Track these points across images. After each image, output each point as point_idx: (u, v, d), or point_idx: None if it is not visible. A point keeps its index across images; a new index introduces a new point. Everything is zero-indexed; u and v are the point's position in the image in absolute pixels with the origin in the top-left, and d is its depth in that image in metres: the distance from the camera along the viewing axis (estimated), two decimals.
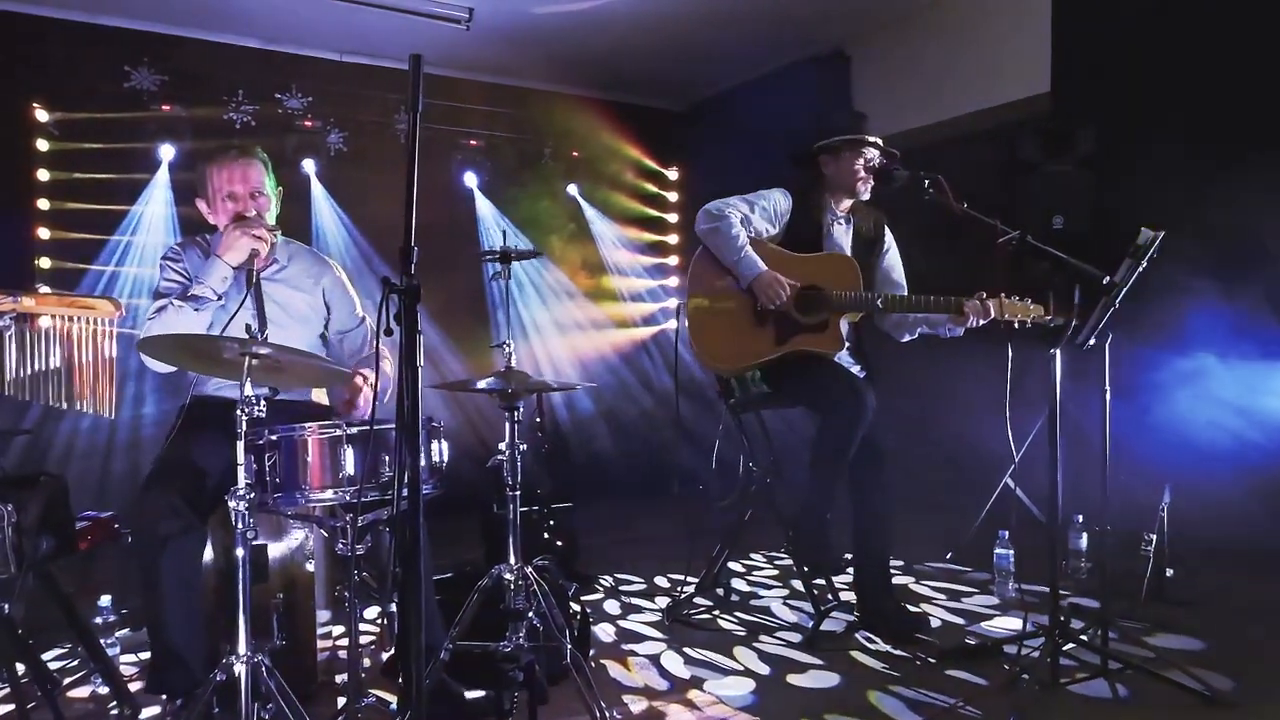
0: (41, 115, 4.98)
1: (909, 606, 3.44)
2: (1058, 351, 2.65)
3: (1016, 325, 3.09)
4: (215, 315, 2.66)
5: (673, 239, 7.13)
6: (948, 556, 4.35)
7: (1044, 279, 2.69)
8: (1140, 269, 2.57)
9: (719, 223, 3.34)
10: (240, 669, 2.01)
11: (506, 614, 2.37)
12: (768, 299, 3.27)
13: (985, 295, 3.14)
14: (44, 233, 4.96)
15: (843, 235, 3.51)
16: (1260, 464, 3.77)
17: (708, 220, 3.38)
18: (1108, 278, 2.57)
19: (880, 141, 3.43)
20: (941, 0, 5.41)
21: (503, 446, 2.52)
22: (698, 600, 3.73)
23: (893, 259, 3.60)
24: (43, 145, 4.99)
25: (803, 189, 3.49)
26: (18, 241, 4.89)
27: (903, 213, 3.71)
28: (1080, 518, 3.93)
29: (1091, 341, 2.67)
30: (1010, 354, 2.74)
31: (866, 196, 3.47)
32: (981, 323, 3.18)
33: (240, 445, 2.04)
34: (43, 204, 4.98)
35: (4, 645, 2.14)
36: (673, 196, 7.16)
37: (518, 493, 2.50)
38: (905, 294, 3.46)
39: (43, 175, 4.99)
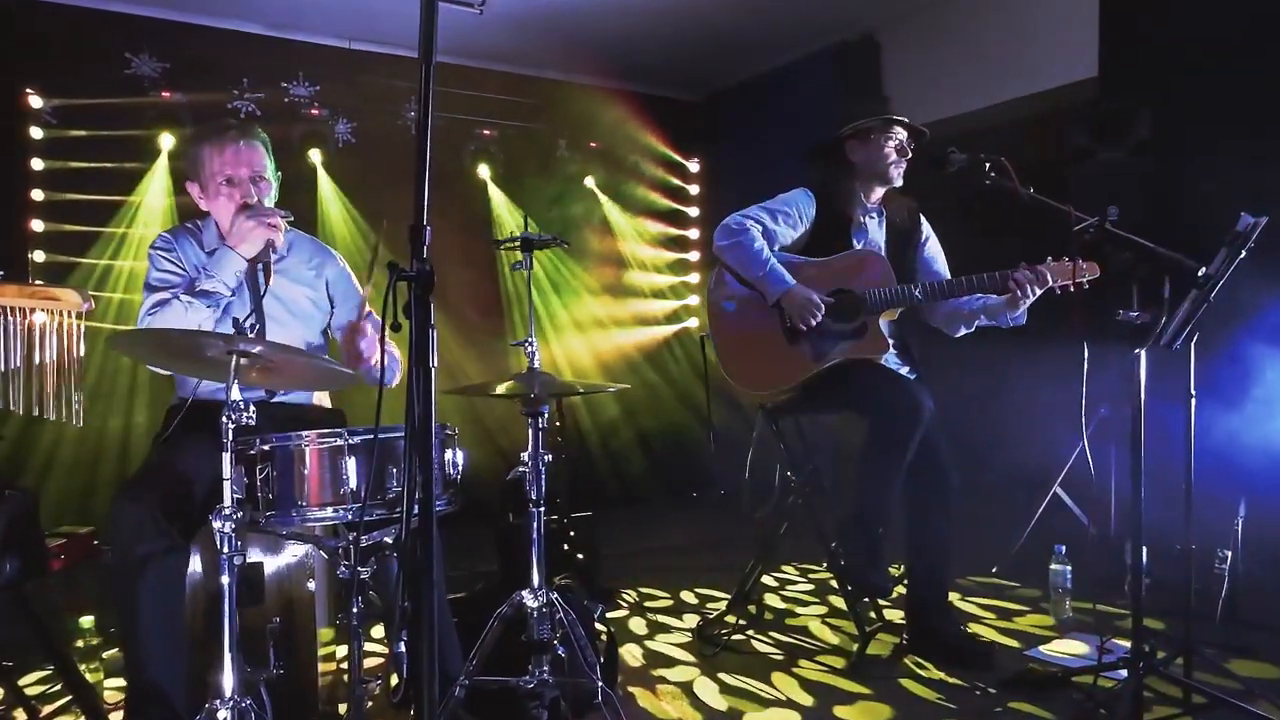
0: (36, 102, 4.75)
1: (976, 635, 3.17)
2: (1142, 353, 2.38)
3: (1073, 288, 2.85)
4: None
5: (693, 233, 6.86)
6: (994, 570, 4.08)
7: (1126, 271, 2.41)
8: (1239, 259, 2.29)
9: (739, 237, 3.10)
10: (225, 715, 1.75)
11: (530, 646, 2.11)
12: (800, 319, 3.01)
13: (1025, 265, 2.91)
14: (38, 225, 4.73)
15: (876, 230, 3.26)
16: None
17: (726, 236, 3.14)
18: (1203, 269, 2.30)
19: (907, 120, 3.17)
20: None
21: (525, 456, 2.26)
22: (730, 619, 3.45)
23: (933, 248, 3.34)
24: (37, 133, 4.76)
25: (827, 185, 3.24)
26: (10, 233, 4.66)
27: (951, 200, 3.46)
28: None
29: (1179, 342, 2.39)
30: (1087, 353, 2.47)
31: (899, 182, 3.20)
32: (1038, 291, 2.91)
33: (227, 457, 1.78)
34: (37, 195, 4.74)
35: None
36: (694, 189, 6.88)
37: (542, 508, 2.24)
38: (949, 278, 3.20)
39: (37, 164, 4.76)
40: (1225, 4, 4.03)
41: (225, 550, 1.77)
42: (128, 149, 4.89)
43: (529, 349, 2.32)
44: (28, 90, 4.73)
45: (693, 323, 6.67)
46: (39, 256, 4.73)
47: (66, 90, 4.80)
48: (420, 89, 1.34)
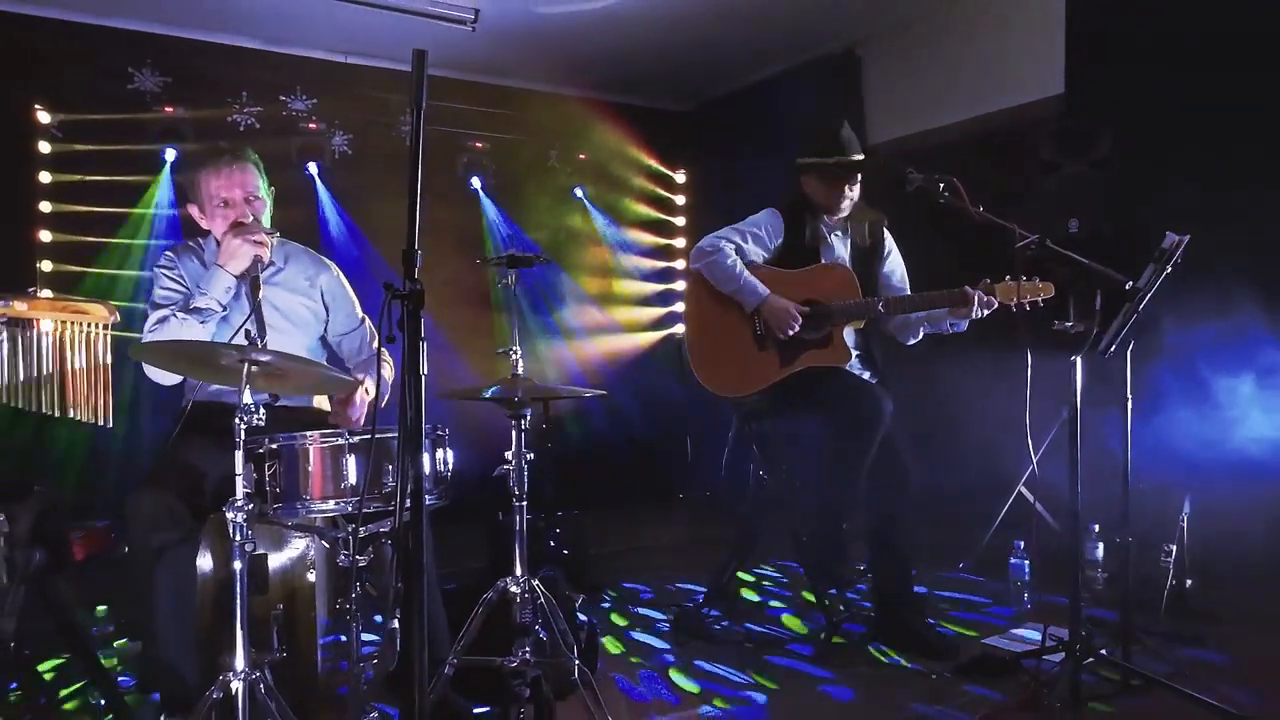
0: (44, 117, 4.94)
1: (940, 629, 3.36)
2: (1079, 359, 2.58)
3: (1028, 306, 2.99)
4: (218, 326, 2.60)
5: (680, 242, 7.06)
6: (960, 566, 4.28)
7: (1065, 284, 2.62)
8: (1165, 274, 2.50)
9: (714, 256, 3.32)
10: (237, 686, 1.94)
11: (512, 628, 2.30)
12: (779, 328, 3.22)
13: (989, 281, 3.06)
14: (45, 235, 4.91)
15: (841, 246, 3.44)
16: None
17: (701, 257, 3.36)
18: (1130, 283, 2.50)
19: (848, 159, 3.28)
20: (953, 0, 5.33)
21: (509, 455, 2.46)
22: (707, 611, 3.64)
23: (894, 262, 3.52)
24: (45, 147, 4.95)
25: (795, 203, 3.44)
26: (19, 244, 4.84)
27: (912, 216, 3.63)
28: (1096, 527, 3.85)
29: (1113, 349, 2.60)
30: (1030, 360, 2.67)
31: (842, 212, 3.37)
32: (986, 312, 3.09)
33: (239, 454, 1.98)
34: (44, 207, 4.93)
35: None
36: (680, 199, 7.09)
37: (524, 503, 2.43)
38: (906, 294, 3.40)
39: (44, 178, 4.94)
40: (1183, 25, 4.22)
41: (237, 538, 1.96)
42: (132, 162, 5.06)
43: (513, 356, 2.51)
44: (36, 106, 4.91)
45: (679, 328, 6.86)
46: (46, 266, 4.91)
47: (72, 105, 4.98)
48: (411, 135, 1.54)
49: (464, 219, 6.14)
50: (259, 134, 5.42)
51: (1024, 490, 4.24)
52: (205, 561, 2.53)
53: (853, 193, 3.34)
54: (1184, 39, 4.19)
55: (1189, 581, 3.49)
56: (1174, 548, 3.43)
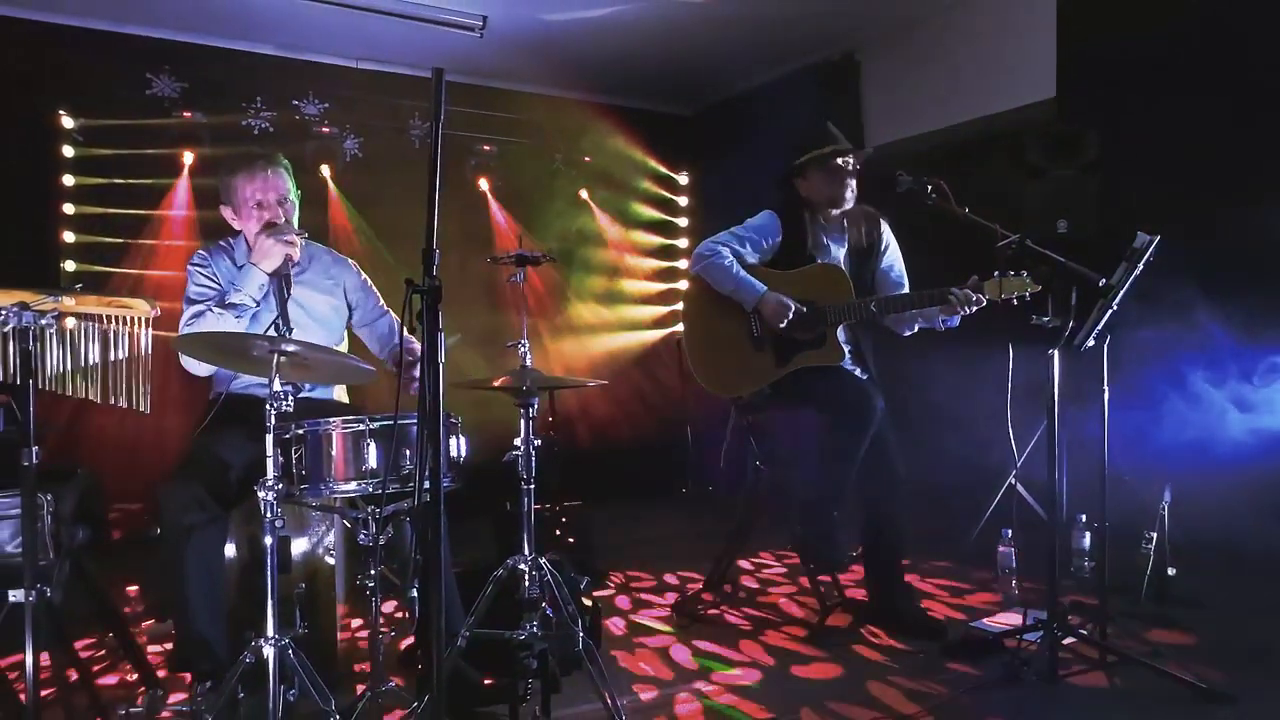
0: (67, 122, 5.11)
1: (929, 613, 3.50)
2: (1055, 352, 2.73)
3: (1015, 302, 3.04)
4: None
5: (682, 243, 7.21)
6: (951, 555, 4.41)
7: (1044, 282, 2.77)
8: (1137, 272, 2.64)
9: (711, 259, 3.45)
10: (269, 651, 2.10)
11: (521, 603, 2.46)
12: (775, 320, 3.34)
13: (978, 278, 3.14)
14: (69, 236, 5.08)
15: (837, 247, 3.54)
16: (1260, 465, 3.82)
17: (699, 261, 3.50)
18: (1103, 280, 2.65)
19: (842, 145, 3.40)
20: (950, 6, 5.48)
21: (518, 442, 2.61)
22: (706, 596, 3.80)
23: (892, 256, 3.60)
24: (68, 151, 5.12)
25: (791, 205, 3.55)
26: (44, 245, 5.02)
27: (903, 217, 3.76)
28: (1084, 517, 3.99)
29: (1090, 343, 2.74)
30: (1011, 354, 2.81)
31: (849, 203, 3.47)
32: (973, 309, 3.18)
33: (269, 438, 2.14)
34: (68, 208, 5.10)
35: (48, 628, 2.23)
36: (683, 201, 7.24)
37: (532, 486, 2.59)
38: (902, 292, 3.50)
39: (68, 180, 5.11)
40: (1176, 29, 4.35)
41: (269, 515, 2.12)
42: (152, 165, 5.24)
43: (521, 349, 2.67)
44: (60, 111, 5.08)
45: (680, 327, 7.00)
46: (70, 266, 5.08)
47: (93, 110, 5.15)
48: (431, 147, 1.70)
49: (472, 219, 6.30)
50: (273, 137, 5.58)
51: (1014, 481, 4.37)
52: (230, 549, 2.71)
53: (852, 183, 3.43)
54: (1173, 43, 4.32)
55: (1171, 570, 3.62)
56: (1154, 535, 3.57)
